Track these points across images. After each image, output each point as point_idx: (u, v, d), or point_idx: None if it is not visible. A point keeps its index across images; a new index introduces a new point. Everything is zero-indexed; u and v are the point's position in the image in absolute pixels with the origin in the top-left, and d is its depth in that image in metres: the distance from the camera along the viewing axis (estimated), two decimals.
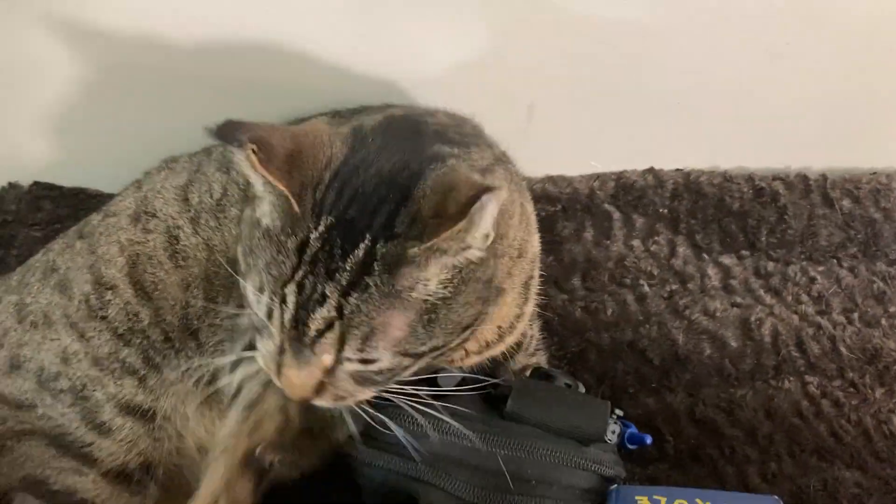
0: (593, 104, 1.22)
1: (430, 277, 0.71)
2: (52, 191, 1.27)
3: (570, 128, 1.25)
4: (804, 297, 1.22)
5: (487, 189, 0.67)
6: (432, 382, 0.86)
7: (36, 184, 1.28)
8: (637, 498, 0.74)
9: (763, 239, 1.28)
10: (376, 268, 0.70)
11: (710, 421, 1.10)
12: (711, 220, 1.29)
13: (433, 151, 0.77)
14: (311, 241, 0.71)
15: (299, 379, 0.74)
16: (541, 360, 1.10)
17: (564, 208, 1.28)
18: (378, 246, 0.70)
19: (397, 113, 0.87)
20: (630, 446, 0.88)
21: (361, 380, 0.75)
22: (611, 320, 1.19)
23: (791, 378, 1.13)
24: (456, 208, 0.69)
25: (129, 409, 0.95)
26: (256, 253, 0.74)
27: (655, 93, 1.23)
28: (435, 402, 0.80)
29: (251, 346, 0.92)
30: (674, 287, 1.22)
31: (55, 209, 1.24)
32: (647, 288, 1.22)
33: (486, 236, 0.72)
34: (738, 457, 1.07)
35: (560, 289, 1.22)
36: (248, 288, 0.76)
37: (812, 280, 1.24)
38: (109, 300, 0.97)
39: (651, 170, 1.33)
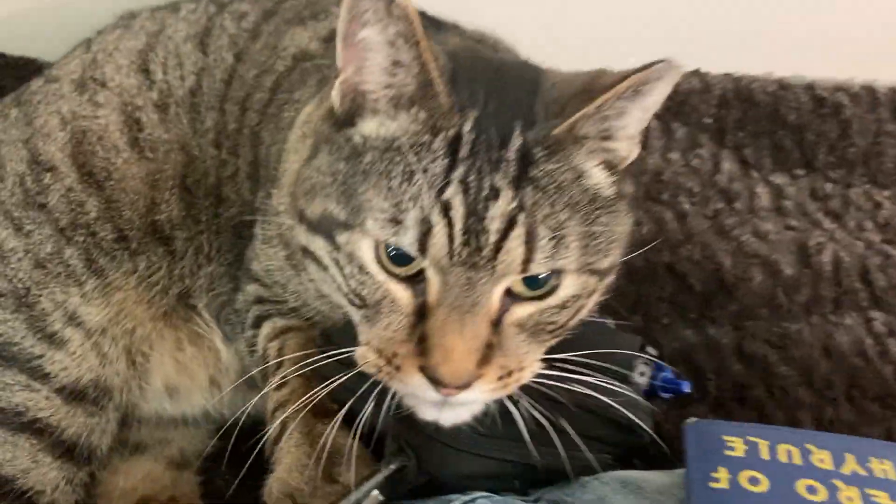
0: None
1: (587, 168, 0.62)
2: None
3: (607, 12, 1.10)
4: (868, 224, 1.09)
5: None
6: None
7: None
8: (726, 439, 0.58)
9: (821, 157, 1.15)
10: (537, 155, 0.60)
11: (760, 358, 0.97)
12: (763, 134, 1.17)
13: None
14: (464, 134, 0.60)
15: (466, 345, 0.57)
16: None
17: None
18: (527, 134, 0.60)
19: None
20: (663, 395, 0.75)
21: (534, 330, 0.61)
22: (646, 239, 1.03)
23: (853, 313, 1.01)
24: (613, 79, 0.60)
25: (77, 319, 0.83)
26: (373, 178, 0.59)
27: None
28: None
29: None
30: (718, 206, 1.09)
31: None
32: (687, 205, 1.09)
33: (633, 138, 0.64)
34: (789, 400, 0.94)
35: None
36: (369, 234, 0.59)
37: (878, 205, 1.11)
38: (48, 185, 0.84)
39: (697, 72, 1.20)
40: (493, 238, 0.57)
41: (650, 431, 0.71)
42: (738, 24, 1.16)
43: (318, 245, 0.63)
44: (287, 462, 0.68)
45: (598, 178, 0.63)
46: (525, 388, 0.63)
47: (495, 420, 0.65)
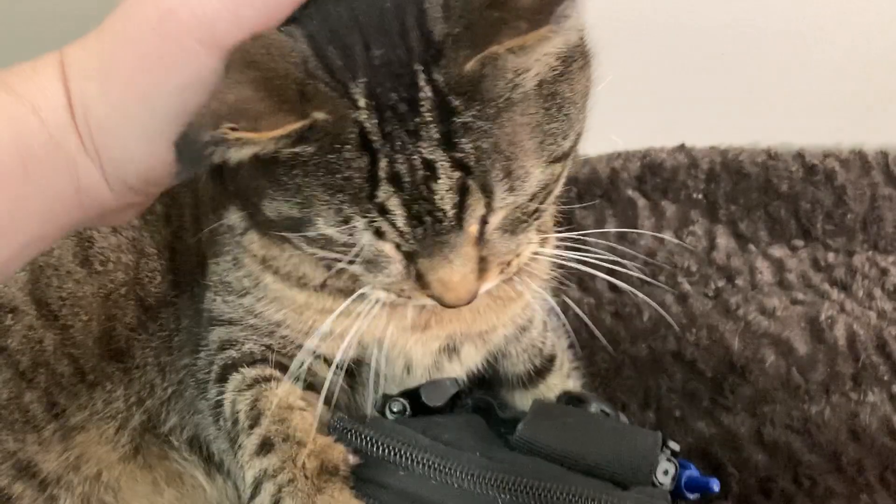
0: (616, 63, 1.03)
1: (522, 70, 0.51)
2: None
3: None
4: (878, 292, 1.02)
5: None
6: (415, 398, 0.67)
7: None
8: None
9: (819, 226, 1.09)
10: (456, 102, 0.50)
11: (782, 445, 0.89)
12: (756, 206, 1.11)
13: None
14: (364, 122, 0.50)
15: (460, 273, 0.56)
16: (577, 385, 0.91)
17: (580, 194, 1.10)
18: (434, 78, 0.50)
19: None
20: (689, 495, 0.68)
21: (515, 225, 0.57)
22: (648, 327, 0.98)
23: (875, 389, 0.93)
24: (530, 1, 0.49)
25: (26, 472, 0.74)
26: (307, 180, 0.52)
27: (690, 52, 1.05)
28: None
29: (224, 346, 0.72)
30: (719, 284, 1.03)
31: None
32: (687, 286, 1.03)
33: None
34: (819, 490, 0.87)
35: (585, 290, 1.01)
36: (322, 231, 0.54)
37: (884, 272, 1.04)
38: (9, 326, 0.77)
39: (682, 147, 1.15)
40: (450, 213, 0.52)
41: None
42: (722, 94, 1.12)
43: (294, 240, 0.57)
44: None
45: (541, 68, 0.53)
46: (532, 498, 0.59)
47: None
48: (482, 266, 0.57)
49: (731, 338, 0.96)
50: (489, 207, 0.53)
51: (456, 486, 0.60)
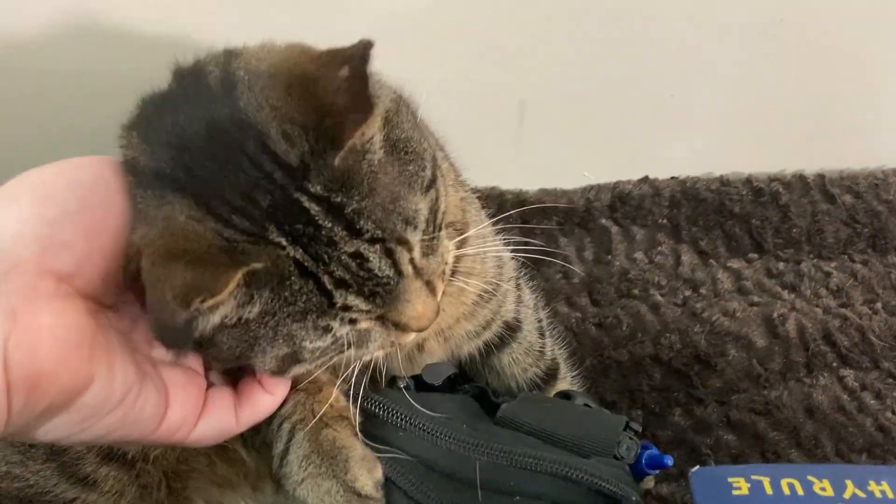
0: (584, 108, 1.18)
1: (370, 145, 0.61)
2: None
3: (562, 134, 1.20)
4: (823, 292, 1.17)
5: (363, 55, 0.57)
6: (418, 379, 0.78)
7: None
8: (731, 480, 0.63)
9: (769, 240, 1.23)
10: (338, 199, 0.59)
11: (749, 426, 1.02)
12: (713, 226, 1.25)
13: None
14: (294, 255, 0.59)
15: (420, 302, 0.65)
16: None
17: (560, 222, 1.23)
18: (311, 189, 0.58)
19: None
20: (649, 471, 0.76)
21: (431, 244, 0.66)
22: (627, 334, 1.11)
23: (825, 373, 1.07)
24: (344, 99, 0.58)
25: (112, 455, 0.83)
26: (279, 323, 0.62)
27: (646, 96, 1.20)
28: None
29: None
30: (686, 293, 1.16)
31: None
32: (659, 297, 1.16)
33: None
34: (783, 462, 0.98)
35: (571, 306, 1.14)
36: (311, 348, 0.64)
37: (827, 275, 1.19)
38: None
39: (646, 179, 1.29)
40: (391, 273, 0.62)
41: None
42: (677, 132, 1.26)
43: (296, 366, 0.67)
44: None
45: (379, 134, 0.61)
46: (504, 460, 0.69)
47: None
48: (429, 287, 0.66)
49: (698, 338, 1.09)
50: (410, 250, 0.64)
51: (444, 447, 0.71)
